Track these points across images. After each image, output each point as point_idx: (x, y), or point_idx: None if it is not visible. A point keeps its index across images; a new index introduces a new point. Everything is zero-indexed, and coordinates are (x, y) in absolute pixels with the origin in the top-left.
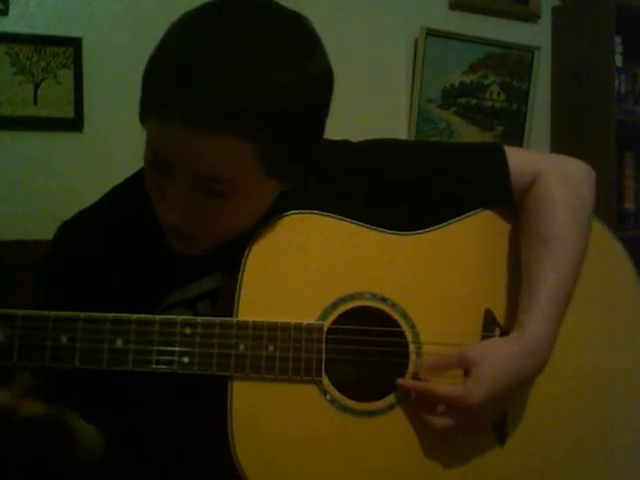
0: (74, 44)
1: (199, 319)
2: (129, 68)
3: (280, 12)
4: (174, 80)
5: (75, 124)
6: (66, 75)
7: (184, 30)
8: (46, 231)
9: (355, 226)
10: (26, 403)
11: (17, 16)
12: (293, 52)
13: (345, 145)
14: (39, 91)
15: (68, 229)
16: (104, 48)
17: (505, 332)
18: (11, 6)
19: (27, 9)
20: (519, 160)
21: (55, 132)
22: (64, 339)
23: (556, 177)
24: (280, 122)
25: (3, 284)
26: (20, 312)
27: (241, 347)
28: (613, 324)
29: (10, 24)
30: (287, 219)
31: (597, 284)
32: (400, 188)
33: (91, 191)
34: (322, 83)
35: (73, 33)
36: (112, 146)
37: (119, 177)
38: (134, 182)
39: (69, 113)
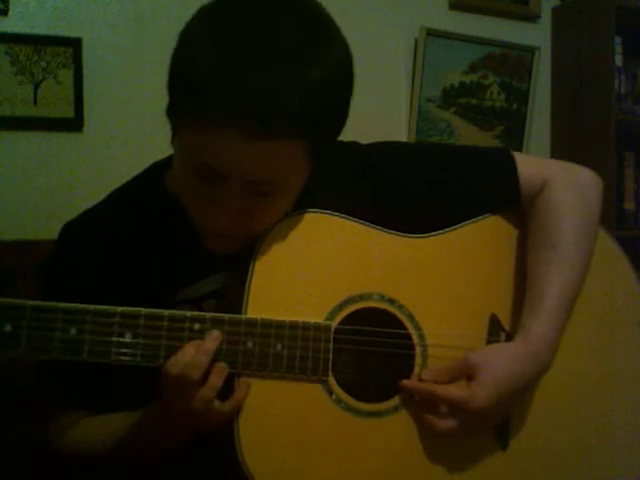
0: (74, 44)
1: (208, 315)
2: (129, 68)
3: (300, 4)
4: (223, 90)
5: (75, 124)
6: (66, 75)
7: (212, 30)
8: (46, 231)
9: (364, 227)
10: None
11: (17, 16)
12: (327, 46)
13: (352, 146)
14: (39, 91)
15: (73, 229)
16: (104, 48)
17: (510, 336)
18: (11, 6)
19: (27, 9)
20: (528, 166)
21: (55, 132)
22: (73, 331)
23: (564, 183)
24: (325, 117)
25: (3, 284)
26: (30, 303)
27: (249, 344)
28: (613, 327)
29: (10, 24)
30: (295, 218)
31: (598, 287)
32: (406, 191)
33: (91, 191)
34: (349, 70)
35: (73, 33)
36: (112, 146)
37: (119, 177)
38: (140, 183)
39: (69, 113)
